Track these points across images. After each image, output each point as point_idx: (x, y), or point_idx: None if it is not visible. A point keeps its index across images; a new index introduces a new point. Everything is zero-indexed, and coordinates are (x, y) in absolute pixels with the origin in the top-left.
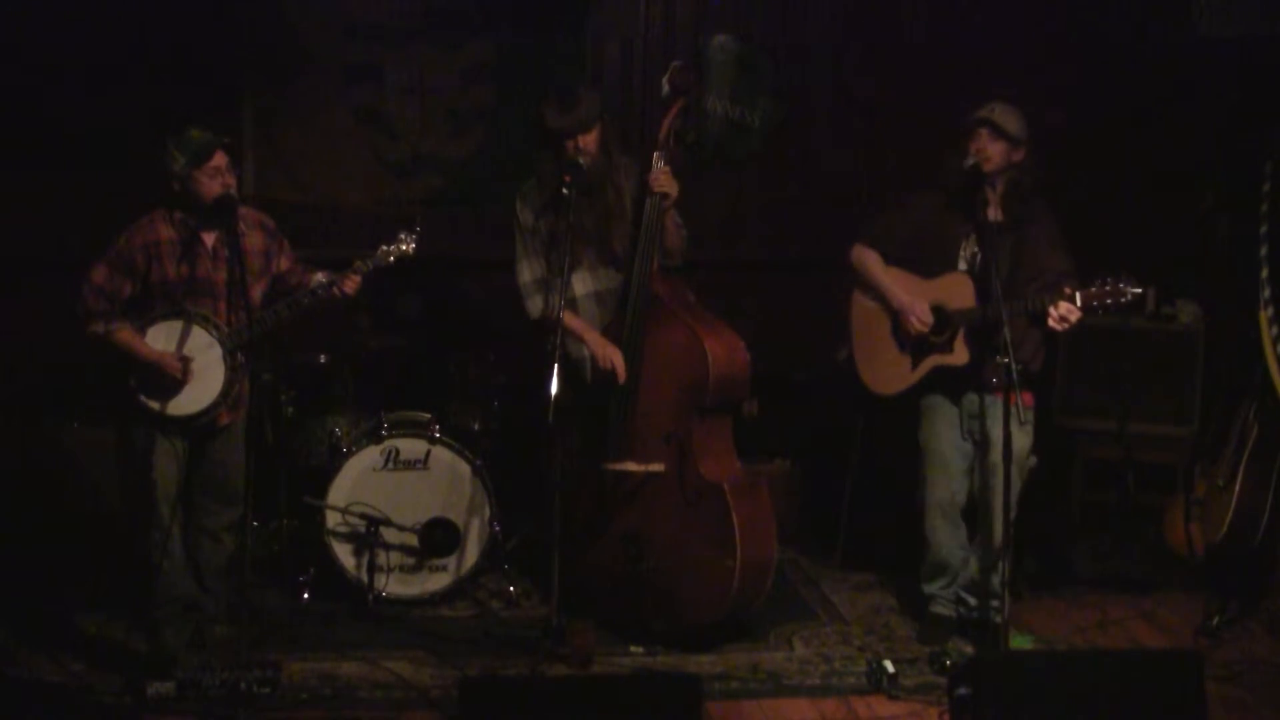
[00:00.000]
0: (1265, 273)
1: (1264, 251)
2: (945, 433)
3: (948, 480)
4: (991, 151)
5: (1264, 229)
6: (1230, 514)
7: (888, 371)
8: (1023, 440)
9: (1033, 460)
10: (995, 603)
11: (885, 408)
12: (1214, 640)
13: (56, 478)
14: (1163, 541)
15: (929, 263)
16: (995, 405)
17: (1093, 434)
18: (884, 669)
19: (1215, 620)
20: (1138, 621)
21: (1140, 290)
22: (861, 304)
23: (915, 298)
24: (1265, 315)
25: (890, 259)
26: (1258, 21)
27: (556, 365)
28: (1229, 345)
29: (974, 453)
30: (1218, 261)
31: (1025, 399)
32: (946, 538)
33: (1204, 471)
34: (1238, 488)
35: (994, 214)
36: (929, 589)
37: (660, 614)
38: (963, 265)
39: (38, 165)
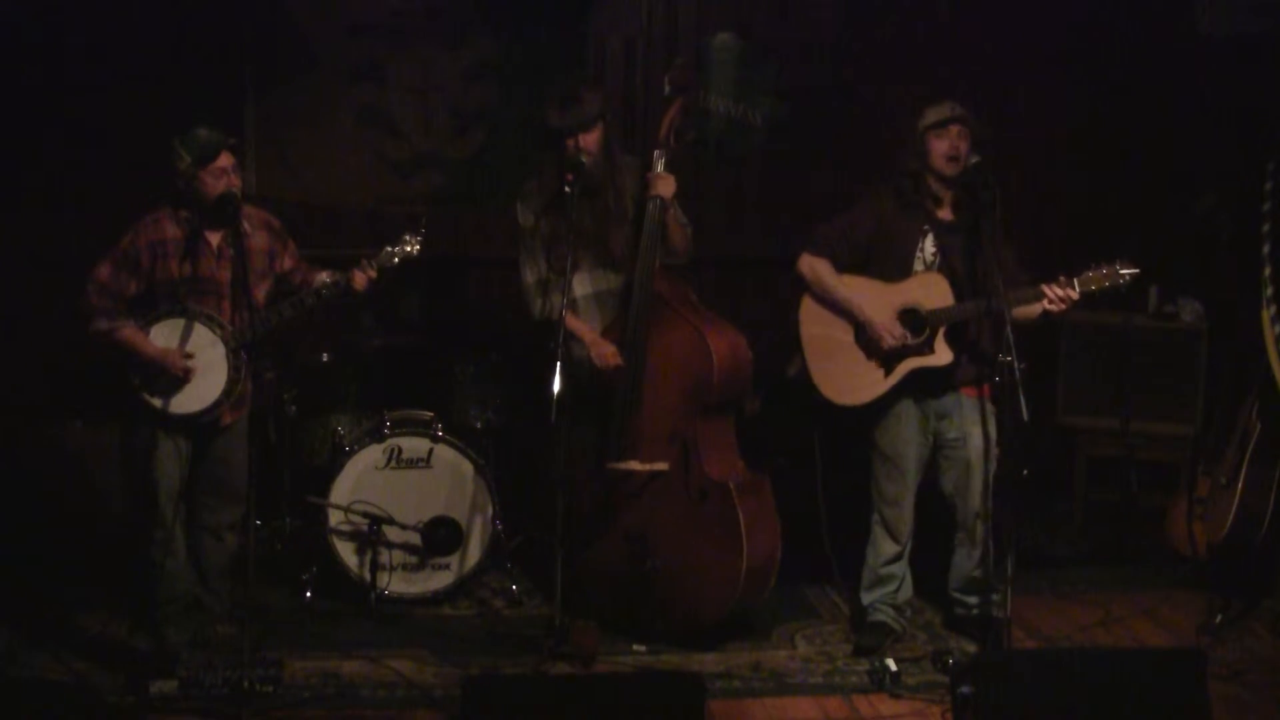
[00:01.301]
0: (1267, 271)
1: (1266, 250)
2: (908, 435)
3: (905, 486)
4: (962, 149)
5: (1266, 227)
6: (1233, 512)
7: (854, 380)
8: (989, 434)
9: (996, 450)
10: (995, 598)
11: (844, 415)
12: (1216, 639)
13: (59, 477)
14: (1165, 540)
15: (884, 267)
16: (966, 402)
17: (1095, 432)
18: (886, 667)
19: (1218, 619)
20: (1140, 620)
21: (1135, 270)
22: (814, 314)
23: (882, 305)
24: (1267, 314)
25: (842, 266)
26: (1258, 20)
27: (559, 364)
28: (1231, 344)
29: (932, 453)
30: (1220, 260)
31: (985, 391)
32: (903, 545)
33: (1206, 470)
34: (1240, 486)
35: (946, 213)
36: (869, 597)
37: (664, 613)
38: (919, 267)
39: (40, 165)
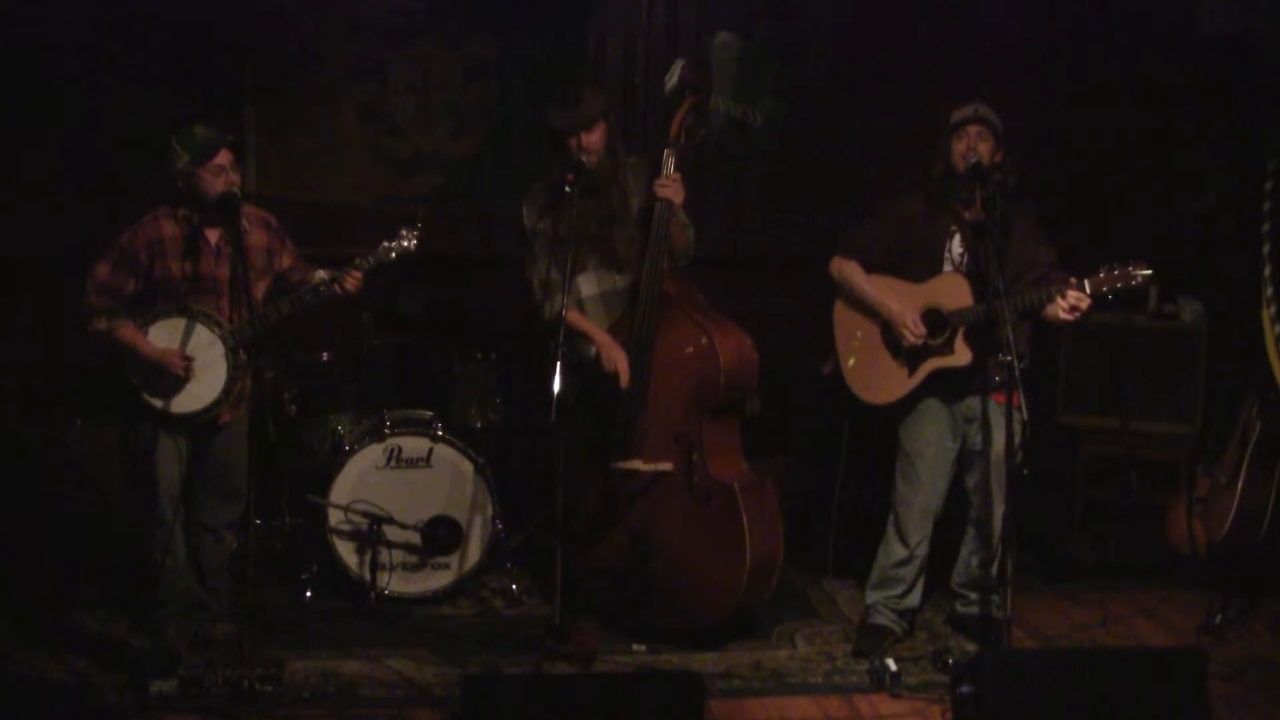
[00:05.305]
0: (1267, 270)
1: (1266, 249)
2: (931, 436)
3: (933, 486)
4: (983, 149)
5: (1266, 227)
6: (1233, 512)
7: (882, 379)
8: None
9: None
10: (996, 598)
11: (874, 413)
12: (1217, 638)
13: (59, 476)
14: (1165, 539)
15: (913, 267)
16: (993, 407)
17: (1095, 432)
18: (886, 667)
19: (1218, 618)
20: (1140, 619)
21: (1150, 271)
22: (845, 314)
23: (907, 304)
24: (1267, 313)
25: (871, 267)
26: (1259, 18)
27: (560, 363)
28: (1231, 343)
29: (958, 455)
30: (1220, 260)
31: (1015, 398)
32: (912, 549)
33: (1206, 469)
34: (1240, 486)
35: (974, 214)
36: (873, 597)
37: (666, 613)
38: (948, 267)
39: (40, 164)
